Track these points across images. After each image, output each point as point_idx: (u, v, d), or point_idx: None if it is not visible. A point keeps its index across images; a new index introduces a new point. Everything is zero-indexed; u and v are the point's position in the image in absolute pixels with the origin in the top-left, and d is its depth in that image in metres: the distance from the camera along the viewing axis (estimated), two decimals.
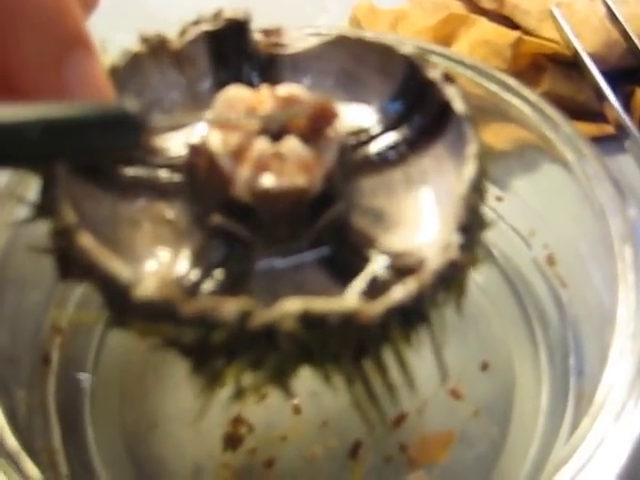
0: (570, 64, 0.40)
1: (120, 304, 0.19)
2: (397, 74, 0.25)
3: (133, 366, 0.32)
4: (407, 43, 0.25)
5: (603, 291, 0.28)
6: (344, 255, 0.22)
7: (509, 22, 0.42)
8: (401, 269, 0.21)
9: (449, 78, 0.24)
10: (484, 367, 0.31)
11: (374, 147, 0.25)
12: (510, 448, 0.29)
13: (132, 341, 0.20)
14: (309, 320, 0.18)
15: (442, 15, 0.43)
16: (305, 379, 0.20)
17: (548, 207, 0.32)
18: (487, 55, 0.39)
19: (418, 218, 0.23)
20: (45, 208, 0.21)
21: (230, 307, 0.18)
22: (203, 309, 0.18)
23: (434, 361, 0.21)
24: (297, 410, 0.30)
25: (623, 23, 0.39)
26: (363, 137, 0.25)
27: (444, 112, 0.24)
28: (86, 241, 0.19)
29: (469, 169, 0.22)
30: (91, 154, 0.19)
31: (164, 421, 0.30)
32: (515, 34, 0.40)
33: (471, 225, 0.21)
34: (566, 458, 0.20)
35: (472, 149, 0.22)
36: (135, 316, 0.19)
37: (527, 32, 0.41)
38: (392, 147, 0.25)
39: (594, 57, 0.39)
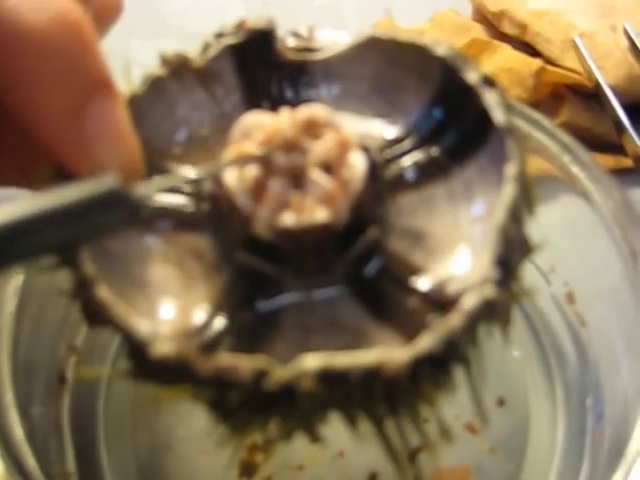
0: (591, 95, 0.40)
1: (140, 359, 0.19)
2: (434, 77, 0.23)
3: (147, 386, 0.32)
4: (442, 44, 0.23)
5: (625, 332, 0.28)
6: (381, 284, 0.21)
7: (530, 49, 0.42)
8: (440, 301, 0.20)
9: (489, 81, 0.22)
10: (500, 403, 0.31)
11: (411, 160, 0.23)
12: None
13: None
14: (329, 377, 0.17)
15: (461, 36, 0.43)
16: None
17: (569, 243, 0.32)
18: (509, 83, 0.39)
19: (461, 239, 0.21)
20: (65, 258, 0.20)
21: (245, 367, 0.18)
22: (219, 369, 0.18)
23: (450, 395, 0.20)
24: (314, 439, 0.30)
25: None
26: (399, 149, 0.23)
27: (485, 118, 0.21)
28: (103, 294, 0.19)
29: (507, 193, 0.19)
30: (82, 240, 0.19)
31: (178, 444, 0.30)
32: (537, 63, 0.40)
33: (509, 257, 0.19)
34: None
35: (512, 169, 0.20)
36: (153, 373, 0.19)
37: (548, 60, 0.41)
38: (432, 159, 0.23)
39: (615, 90, 0.39)
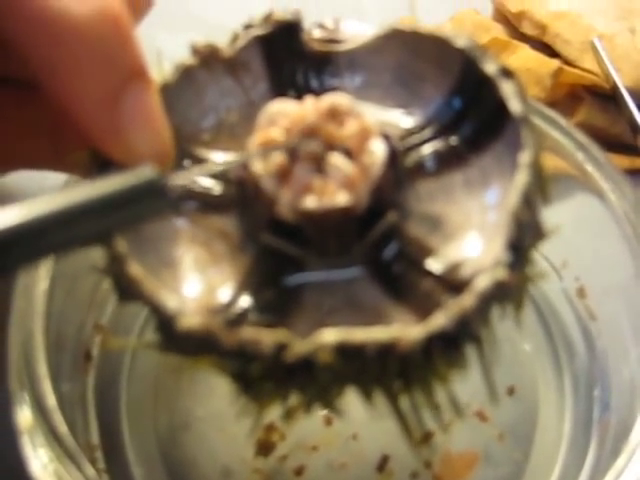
0: (607, 97, 0.41)
1: (167, 332, 0.20)
2: (454, 68, 0.24)
3: (168, 366, 0.33)
4: (462, 36, 0.23)
5: (634, 326, 0.29)
6: (398, 266, 0.22)
7: (549, 49, 0.43)
8: (454, 283, 0.21)
9: (507, 72, 0.22)
10: (510, 392, 0.32)
11: (431, 148, 0.24)
12: (532, 472, 0.30)
13: None
14: (346, 351, 0.18)
15: (482, 36, 0.43)
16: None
17: (582, 239, 0.33)
18: (527, 83, 0.40)
19: (476, 225, 0.22)
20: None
21: (267, 340, 0.18)
22: (242, 342, 0.19)
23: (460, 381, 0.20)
24: (328, 421, 0.31)
25: None
26: (419, 138, 0.24)
27: (503, 108, 0.22)
28: (134, 270, 0.20)
29: (520, 180, 0.20)
30: (119, 229, 0.19)
31: (196, 423, 0.31)
32: (556, 63, 0.40)
33: (522, 242, 0.20)
34: None
35: (525, 157, 0.21)
36: (180, 345, 0.20)
37: (567, 61, 0.42)
38: (450, 148, 0.24)
39: (632, 92, 0.40)
